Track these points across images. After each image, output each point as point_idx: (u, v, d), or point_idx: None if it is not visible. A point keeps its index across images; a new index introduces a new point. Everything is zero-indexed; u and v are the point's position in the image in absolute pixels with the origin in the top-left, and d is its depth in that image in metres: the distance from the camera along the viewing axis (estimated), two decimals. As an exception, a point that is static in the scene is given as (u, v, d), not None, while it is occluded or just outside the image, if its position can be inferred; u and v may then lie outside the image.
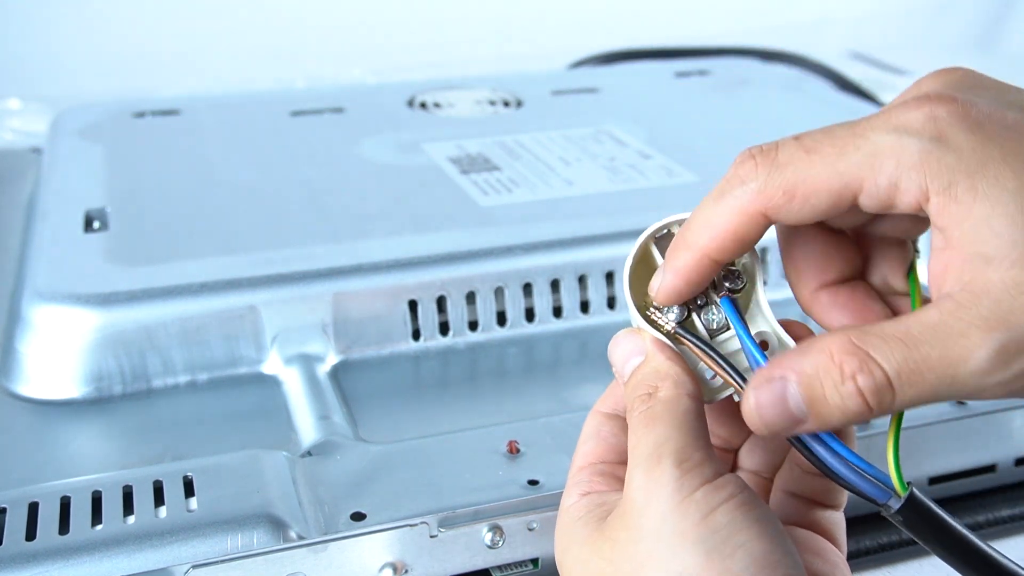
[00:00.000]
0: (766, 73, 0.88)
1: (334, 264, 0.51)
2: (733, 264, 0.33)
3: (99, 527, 0.38)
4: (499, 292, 0.52)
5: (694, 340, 0.32)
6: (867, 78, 0.98)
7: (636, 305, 0.33)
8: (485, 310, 0.52)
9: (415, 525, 0.37)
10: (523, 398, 0.48)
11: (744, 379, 0.31)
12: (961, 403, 0.46)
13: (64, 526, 0.37)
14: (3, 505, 0.38)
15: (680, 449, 0.29)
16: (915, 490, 0.30)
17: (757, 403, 0.28)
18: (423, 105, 0.77)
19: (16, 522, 0.37)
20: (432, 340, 0.52)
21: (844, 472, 0.30)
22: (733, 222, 0.29)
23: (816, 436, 0.30)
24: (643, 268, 0.33)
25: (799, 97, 0.80)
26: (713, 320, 0.33)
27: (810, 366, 0.27)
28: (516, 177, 0.62)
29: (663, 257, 0.32)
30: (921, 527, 0.30)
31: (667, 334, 0.33)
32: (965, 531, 0.30)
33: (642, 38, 1.04)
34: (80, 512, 0.38)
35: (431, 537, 0.38)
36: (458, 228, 0.55)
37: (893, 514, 0.30)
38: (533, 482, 0.40)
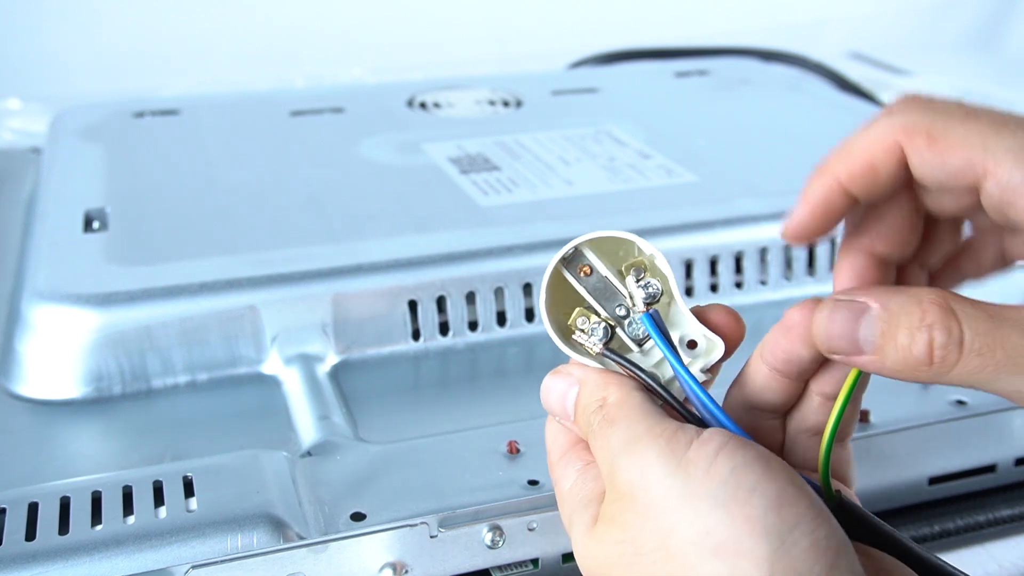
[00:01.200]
0: (766, 73, 0.88)
1: (334, 264, 0.51)
2: (642, 277, 0.33)
3: (99, 527, 0.38)
4: (499, 292, 0.52)
5: (621, 360, 0.32)
6: (867, 78, 0.98)
7: (558, 331, 0.33)
8: (485, 310, 0.52)
9: (415, 525, 0.37)
10: (523, 398, 0.48)
11: (670, 393, 0.31)
12: (961, 403, 0.46)
13: (64, 526, 0.37)
14: (3, 505, 0.38)
15: (651, 427, 0.30)
16: (844, 498, 0.31)
17: (830, 317, 0.29)
18: (423, 105, 0.77)
19: (16, 522, 0.37)
20: (432, 340, 0.52)
21: None
22: (870, 149, 0.29)
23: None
24: (560, 292, 0.33)
25: (799, 97, 0.80)
26: (639, 331, 0.33)
27: (896, 304, 0.28)
28: (516, 177, 0.62)
29: (577, 279, 0.33)
30: (853, 530, 0.30)
31: (594, 356, 0.33)
32: (892, 530, 0.31)
33: (642, 38, 1.04)
34: (80, 512, 0.38)
35: (431, 537, 0.38)
36: (458, 228, 0.55)
37: None
38: (533, 482, 0.40)
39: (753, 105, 0.79)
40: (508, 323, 0.53)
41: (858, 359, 0.28)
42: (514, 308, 0.52)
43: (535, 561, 0.40)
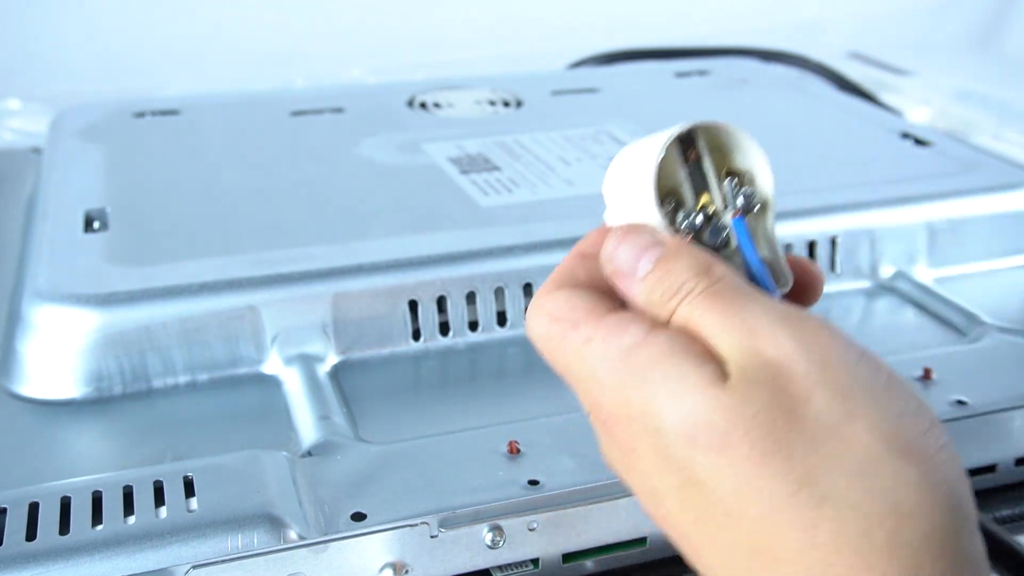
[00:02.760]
0: (766, 73, 0.88)
1: (334, 264, 0.51)
2: (741, 185, 0.31)
3: (99, 527, 0.38)
4: (499, 292, 0.52)
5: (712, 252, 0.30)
6: (867, 78, 0.98)
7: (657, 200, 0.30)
8: (485, 310, 0.52)
9: (415, 525, 0.37)
10: (523, 398, 0.48)
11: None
12: (961, 403, 0.46)
13: (64, 526, 0.37)
14: (3, 505, 0.38)
15: (797, 311, 0.26)
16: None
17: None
18: (423, 105, 0.77)
19: (16, 522, 0.37)
20: (432, 340, 0.52)
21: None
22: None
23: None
24: (661, 169, 0.31)
25: (799, 97, 0.80)
26: (719, 237, 0.31)
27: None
28: (516, 177, 0.62)
29: (684, 162, 0.31)
30: None
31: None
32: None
33: (642, 38, 1.04)
34: (80, 512, 0.38)
35: (431, 537, 0.38)
36: (458, 228, 0.55)
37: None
38: (533, 482, 0.40)
39: (753, 105, 0.79)
40: (508, 323, 0.52)
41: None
42: (514, 308, 0.52)
43: (535, 561, 0.40)
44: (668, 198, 0.31)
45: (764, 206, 0.32)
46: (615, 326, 0.28)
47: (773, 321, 0.26)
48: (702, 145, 0.32)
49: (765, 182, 0.32)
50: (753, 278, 0.30)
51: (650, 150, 0.31)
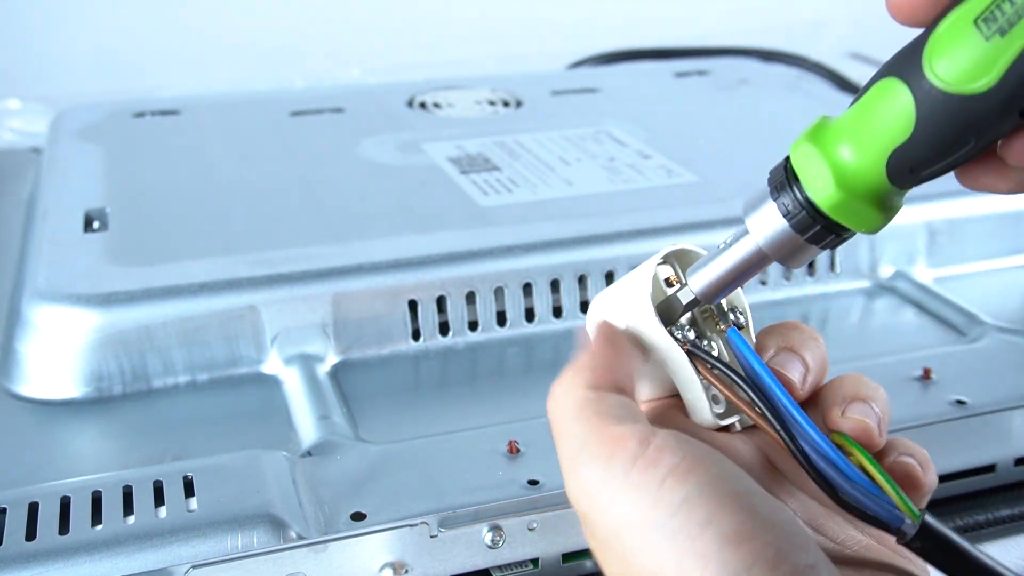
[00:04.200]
0: (766, 73, 0.88)
1: (334, 264, 0.51)
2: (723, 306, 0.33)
3: (99, 527, 0.38)
4: (499, 292, 0.52)
5: (710, 359, 0.31)
6: (867, 78, 0.98)
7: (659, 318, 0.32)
8: (485, 310, 0.52)
9: (415, 525, 0.37)
10: (523, 398, 0.48)
11: (766, 412, 0.29)
12: (961, 403, 0.46)
13: (64, 526, 0.37)
14: (3, 505, 0.38)
15: (588, 435, 0.27)
16: (928, 516, 0.28)
17: None
18: (423, 105, 0.77)
19: (16, 522, 0.37)
20: (432, 340, 0.52)
21: (859, 498, 0.28)
22: None
23: (826, 459, 0.28)
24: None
25: (799, 97, 0.80)
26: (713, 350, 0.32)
27: None
28: (516, 177, 0.62)
29: (667, 286, 0.32)
30: (934, 553, 0.28)
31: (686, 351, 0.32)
32: (981, 555, 0.28)
33: (642, 38, 1.04)
34: (80, 512, 0.38)
35: (431, 537, 0.38)
36: (458, 228, 0.55)
37: (908, 541, 0.28)
38: (533, 482, 0.40)
39: (753, 105, 0.79)
40: (508, 323, 0.52)
41: None
42: (514, 308, 0.52)
43: (535, 561, 0.40)
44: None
45: (747, 320, 0.33)
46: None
47: (566, 469, 0.28)
48: (678, 269, 0.33)
49: (742, 298, 0.33)
50: (758, 384, 0.30)
51: (640, 276, 0.32)
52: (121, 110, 0.75)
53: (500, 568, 0.39)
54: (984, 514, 0.45)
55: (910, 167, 0.26)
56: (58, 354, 0.48)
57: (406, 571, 0.38)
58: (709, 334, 0.33)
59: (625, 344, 0.31)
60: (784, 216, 0.28)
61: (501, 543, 0.39)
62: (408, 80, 0.84)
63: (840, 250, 0.57)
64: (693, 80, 0.85)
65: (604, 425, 0.28)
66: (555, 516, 0.39)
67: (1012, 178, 0.27)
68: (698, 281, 0.31)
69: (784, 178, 0.28)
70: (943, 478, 0.45)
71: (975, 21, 0.24)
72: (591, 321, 0.34)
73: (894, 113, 0.26)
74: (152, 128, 0.72)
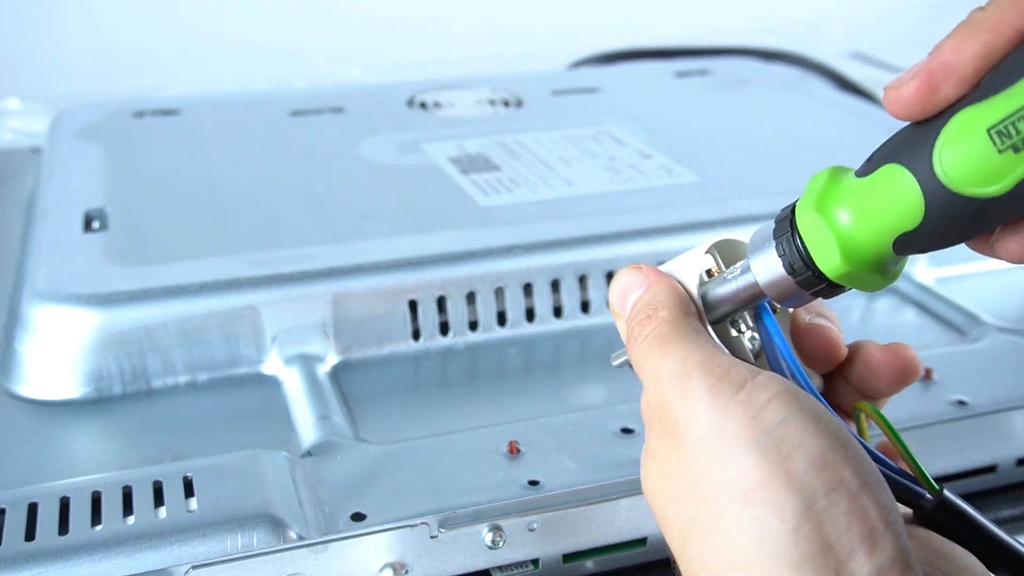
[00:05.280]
0: (766, 73, 0.88)
1: (334, 264, 0.51)
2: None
3: (99, 527, 0.37)
4: (499, 292, 0.52)
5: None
6: (867, 78, 0.98)
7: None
8: (485, 310, 0.52)
9: (415, 525, 0.37)
10: (523, 398, 0.48)
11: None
12: (962, 403, 0.46)
13: (64, 526, 0.37)
14: (3, 505, 0.38)
15: (704, 360, 0.28)
16: (947, 491, 0.29)
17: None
18: (423, 105, 0.77)
19: (16, 522, 0.37)
20: (432, 340, 0.52)
21: (886, 473, 0.29)
22: None
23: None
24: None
25: (799, 97, 0.80)
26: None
27: None
28: (516, 177, 0.62)
29: (706, 274, 0.32)
30: (953, 527, 0.29)
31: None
32: (998, 530, 0.29)
33: (642, 38, 1.04)
34: (80, 512, 0.38)
35: (431, 537, 0.38)
36: (458, 228, 0.55)
37: (927, 514, 0.29)
38: (533, 482, 0.40)
39: (753, 105, 0.79)
40: (508, 323, 0.52)
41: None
42: (514, 308, 0.52)
43: (535, 561, 0.40)
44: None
45: (784, 311, 0.33)
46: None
47: (671, 382, 0.29)
48: (720, 261, 0.33)
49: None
50: (778, 358, 0.31)
51: (687, 263, 0.33)
52: (121, 110, 0.75)
53: (500, 568, 0.39)
54: (984, 514, 0.45)
55: (917, 247, 0.27)
56: (58, 354, 0.48)
57: (406, 571, 0.38)
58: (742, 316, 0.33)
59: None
60: (789, 273, 0.29)
61: (501, 543, 0.39)
62: (408, 80, 0.84)
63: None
64: (693, 80, 0.85)
65: (720, 353, 0.29)
66: (555, 516, 0.39)
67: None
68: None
69: (790, 235, 0.29)
70: (944, 478, 0.45)
71: (988, 131, 0.25)
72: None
73: (902, 203, 0.26)
74: (152, 128, 0.72)
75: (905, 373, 0.32)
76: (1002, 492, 0.46)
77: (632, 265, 0.33)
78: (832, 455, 0.26)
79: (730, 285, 0.31)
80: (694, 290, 0.32)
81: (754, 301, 0.31)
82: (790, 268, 0.29)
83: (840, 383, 0.33)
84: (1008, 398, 0.46)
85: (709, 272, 0.33)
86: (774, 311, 0.32)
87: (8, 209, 0.67)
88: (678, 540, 0.28)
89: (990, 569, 0.29)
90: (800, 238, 0.28)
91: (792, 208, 0.29)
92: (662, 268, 0.33)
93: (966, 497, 0.45)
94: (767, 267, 0.30)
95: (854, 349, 0.33)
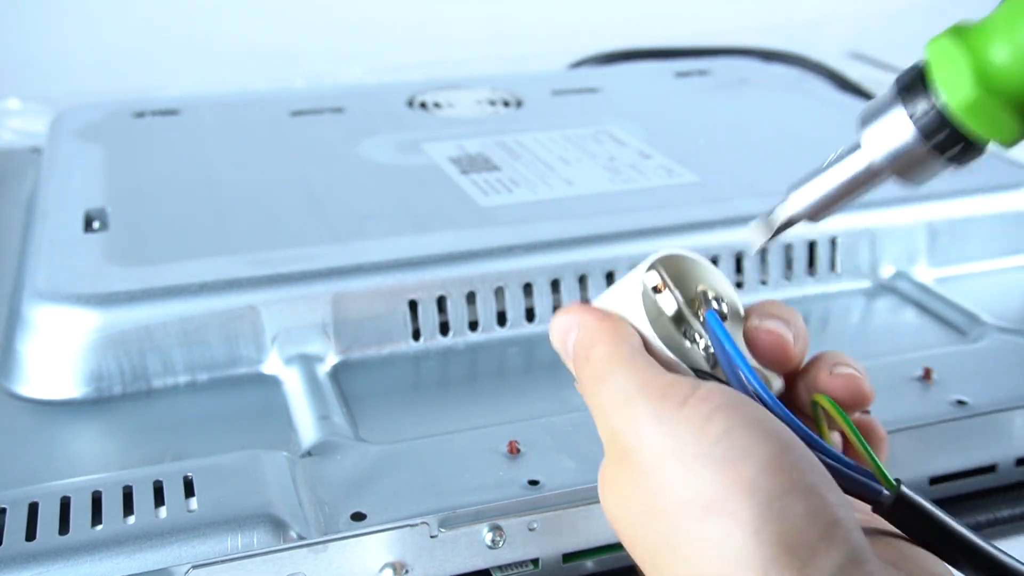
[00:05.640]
0: (766, 73, 0.88)
1: (334, 264, 0.51)
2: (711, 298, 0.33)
3: (99, 527, 0.37)
4: (499, 292, 0.52)
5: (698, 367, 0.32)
6: (867, 78, 0.98)
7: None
8: (485, 310, 0.52)
9: (415, 525, 0.37)
10: (523, 398, 0.48)
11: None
12: (961, 403, 0.46)
13: (64, 526, 0.37)
14: (3, 505, 0.38)
15: (643, 383, 0.29)
16: (904, 486, 0.29)
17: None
18: (423, 105, 0.77)
19: (16, 522, 0.37)
20: (432, 340, 0.52)
21: (843, 470, 0.29)
22: None
23: (814, 446, 0.29)
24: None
25: (799, 97, 0.80)
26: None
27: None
28: (516, 177, 0.62)
29: (654, 291, 0.32)
30: (911, 523, 0.30)
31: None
32: (956, 524, 0.29)
33: (642, 38, 1.04)
34: (80, 512, 0.38)
35: (431, 537, 0.38)
36: (458, 228, 0.55)
37: (885, 510, 0.30)
38: (533, 482, 0.40)
39: (753, 105, 0.79)
40: (508, 323, 0.52)
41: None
42: (514, 308, 0.52)
43: (535, 561, 0.40)
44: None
45: (737, 316, 0.33)
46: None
47: (614, 411, 0.30)
48: (665, 276, 0.33)
49: (733, 297, 0.33)
50: (730, 364, 0.31)
51: (630, 282, 0.33)
52: (121, 110, 0.75)
53: (500, 568, 0.39)
54: (984, 514, 0.45)
55: None
56: (58, 354, 0.48)
57: (406, 571, 0.38)
58: (693, 324, 0.33)
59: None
60: (910, 118, 0.26)
61: (501, 543, 0.39)
62: (408, 80, 0.84)
63: (841, 250, 0.57)
64: (693, 80, 0.85)
65: (658, 372, 0.30)
66: (555, 516, 0.39)
67: None
68: (801, 199, 0.31)
69: (914, 78, 0.26)
70: (944, 478, 0.45)
71: None
72: None
73: None
74: (152, 128, 0.72)
75: (854, 402, 0.33)
76: (1002, 492, 0.46)
77: (563, 309, 0.34)
78: (781, 458, 0.27)
79: (834, 172, 0.29)
80: (637, 312, 0.32)
81: (860, 189, 0.29)
82: (912, 112, 0.26)
83: (800, 385, 0.34)
84: (1008, 398, 0.46)
85: (656, 288, 0.33)
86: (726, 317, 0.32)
87: (8, 209, 0.67)
88: (647, 562, 0.29)
89: (952, 564, 0.29)
90: (926, 77, 0.25)
91: (917, 65, 0.26)
92: (599, 300, 0.34)
93: (966, 497, 0.46)
94: (885, 127, 0.27)
95: (811, 363, 0.33)
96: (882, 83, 1.00)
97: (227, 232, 0.55)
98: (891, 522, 0.30)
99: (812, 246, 0.57)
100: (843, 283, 0.58)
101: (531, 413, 0.45)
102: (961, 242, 0.59)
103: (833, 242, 0.57)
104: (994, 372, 0.48)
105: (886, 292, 0.58)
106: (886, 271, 0.58)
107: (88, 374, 0.47)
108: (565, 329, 0.33)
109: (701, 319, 0.33)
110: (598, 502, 0.39)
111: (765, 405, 0.29)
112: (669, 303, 0.33)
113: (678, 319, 0.33)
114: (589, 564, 0.41)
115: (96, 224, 0.56)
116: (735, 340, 0.31)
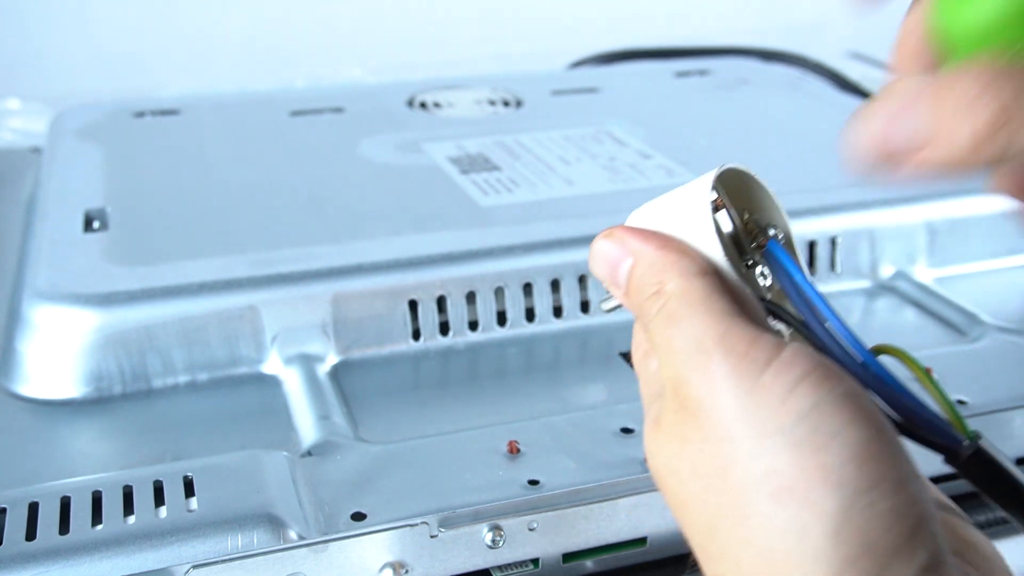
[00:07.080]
0: (766, 73, 0.88)
1: (334, 264, 0.51)
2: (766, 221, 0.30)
3: (99, 527, 0.37)
4: (499, 292, 0.52)
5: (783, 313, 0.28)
6: (867, 78, 0.98)
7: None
8: (485, 310, 0.52)
9: (415, 525, 0.37)
10: (523, 398, 0.48)
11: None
12: (961, 403, 0.45)
13: (64, 526, 0.37)
14: (3, 505, 0.38)
15: (724, 335, 0.26)
16: (983, 443, 0.27)
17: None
18: (423, 105, 0.77)
19: (16, 522, 0.37)
20: (432, 340, 0.52)
21: (926, 414, 0.27)
22: None
23: (891, 385, 0.27)
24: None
25: (799, 97, 0.80)
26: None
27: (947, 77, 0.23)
28: (516, 177, 0.62)
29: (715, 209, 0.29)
30: (986, 477, 0.27)
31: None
32: None
33: (642, 38, 1.04)
34: (80, 512, 0.38)
35: (431, 537, 0.38)
36: (458, 228, 0.55)
37: (961, 462, 0.27)
38: (533, 482, 0.40)
39: (753, 105, 0.79)
40: (508, 323, 0.52)
41: (924, 155, 0.24)
42: (514, 308, 0.52)
43: (535, 561, 0.40)
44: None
45: (788, 241, 0.31)
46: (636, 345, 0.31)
47: (687, 359, 0.26)
48: (722, 193, 0.30)
49: (788, 228, 0.31)
50: (800, 299, 0.28)
51: (694, 199, 0.29)
52: (121, 110, 0.75)
53: (500, 568, 0.39)
54: (985, 514, 0.45)
55: None
56: (58, 354, 0.48)
57: (406, 571, 0.38)
58: (750, 253, 0.30)
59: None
60: None
61: (501, 543, 0.39)
62: (408, 80, 0.84)
63: (840, 250, 0.57)
64: (693, 80, 0.85)
65: (739, 324, 0.26)
66: (555, 516, 0.39)
67: None
68: None
69: None
70: (943, 478, 0.45)
71: None
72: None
73: None
74: (152, 128, 0.72)
75: None
76: (1002, 492, 0.46)
77: (605, 232, 0.30)
78: (872, 445, 0.24)
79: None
80: (708, 238, 0.28)
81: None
82: None
83: None
84: (1008, 398, 0.46)
85: (716, 205, 0.29)
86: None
87: (8, 209, 0.67)
88: (700, 527, 0.26)
89: (1020, 522, 0.27)
90: None
91: None
92: (644, 215, 0.30)
93: (965, 497, 0.46)
94: None
95: None
96: (882, 83, 1.00)
97: (227, 232, 0.55)
98: (964, 474, 0.27)
99: (812, 246, 0.57)
100: (843, 283, 0.58)
101: (531, 413, 0.45)
102: (961, 242, 0.59)
103: (833, 242, 0.57)
104: (994, 372, 0.48)
105: (886, 292, 0.58)
106: (886, 271, 0.58)
107: (88, 374, 0.47)
108: (615, 260, 0.29)
109: (754, 245, 0.30)
110: (598, 502, 0.39)
111: (837, 342, 0.27)
112: (726, 224, 0.29)
113: (735, 242, 0.30)
114: (589, 564, 0.41)
115: (96, 224, 0.56)
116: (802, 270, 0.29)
